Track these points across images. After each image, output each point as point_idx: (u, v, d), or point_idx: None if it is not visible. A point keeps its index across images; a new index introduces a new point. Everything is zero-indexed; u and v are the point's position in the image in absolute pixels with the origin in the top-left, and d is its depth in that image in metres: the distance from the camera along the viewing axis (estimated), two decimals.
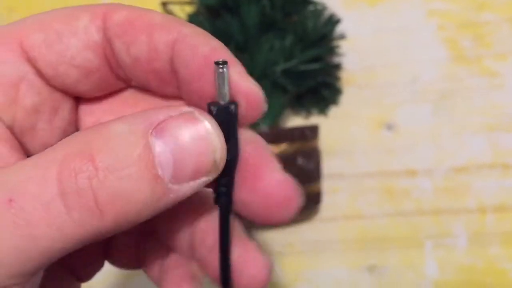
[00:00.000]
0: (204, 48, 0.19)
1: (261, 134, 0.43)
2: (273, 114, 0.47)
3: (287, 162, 0.44)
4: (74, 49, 0.18)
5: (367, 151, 0.53)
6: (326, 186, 0.51)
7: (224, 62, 0.18)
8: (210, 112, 0.18)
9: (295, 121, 0.53)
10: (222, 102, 0.18)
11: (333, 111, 0.53)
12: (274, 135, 0.44)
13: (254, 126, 0.48)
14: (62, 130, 0.18)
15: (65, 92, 0.18)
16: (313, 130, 0.47)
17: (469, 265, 0.50)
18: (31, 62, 0.17)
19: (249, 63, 0.46)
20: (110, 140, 0.15)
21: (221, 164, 0.17)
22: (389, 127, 0.53)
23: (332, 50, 0.46)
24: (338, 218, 0.52)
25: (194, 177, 0.16)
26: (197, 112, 0.17)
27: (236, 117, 0.19)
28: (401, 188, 0.52)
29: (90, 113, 0.19)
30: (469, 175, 0.52)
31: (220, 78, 0.18)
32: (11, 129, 0.17)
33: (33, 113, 0.17)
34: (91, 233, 0.15)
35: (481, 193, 0.51)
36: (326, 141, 0.50)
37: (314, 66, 0.45)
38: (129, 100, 0.20)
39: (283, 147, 0.44)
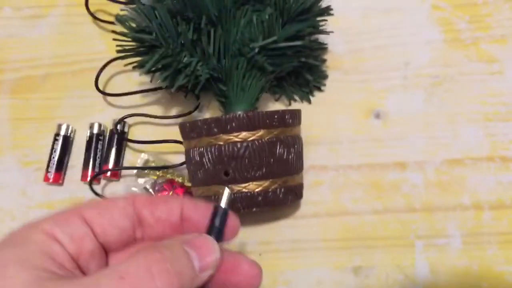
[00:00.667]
0: (202, 207, 0.31)
1: (237, 118, 0.39)
2: (250, 98, 0.42)
3: (264, 152, 0.39)
4: (116, 216, 0.29)
5: (353, 142, 0.48)
6: (308, 179, 0.46)
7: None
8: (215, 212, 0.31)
9: (274, 108, 0.48)
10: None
11: (317, 97, 0.49)
12: (250, 120, 0.39)
13: (229, 109, 0.43)
14: (98, 267, 0.29)
15: (104, 245, 0.29)
16: (295, 115, 0.42)
17: (463, 267, 0.46)
18: (89, 225, 0.28)
19: (224, 38, 0.40)
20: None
21: (219, 260, 0.29)
22: (378, 115, 0.48)
23: (316, 26, 0.41)
24: (320, 214, 0.47)
25: (209, 268, 0.28)
26: (206, 235, 0.30)
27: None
28: (390, 182, 0.47)
29: (115, 259, 0.30)
30: (464, 168, 0.47)
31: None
32: (76, 261, 0.27)
33: (88, 255, 0.28)
34: None
35: (477, 188, 0.47)
36: (308, 130, 0.45)
37: (296, 43, 0.39)
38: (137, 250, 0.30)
39: (259, 133, 0.39)
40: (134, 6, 0.40)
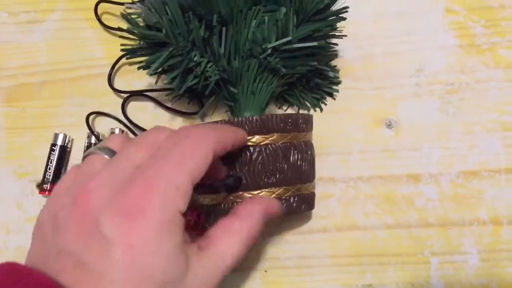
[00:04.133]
0: None
1: (249, 121, 0.36)
2: (260, 102, 0.39)
3: (278, 157, 0.37)
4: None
5: (363, 152, 0.46)
6: (316, 191, 0.44)
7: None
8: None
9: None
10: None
11: (326, 105, 0.46)
12: (263, 123, 0.36)
13: (237, 114, 0.41)
14: None
15: None
16: (308, 120, 0.39)
17: (481, 286, 0.43)
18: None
19: (235, 39, 0.38)
20: None
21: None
22: (389, 124, 0.46)
23: (333, 25, 0.38)
24: (329, 229, 0.45)
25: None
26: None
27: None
28: (403, 195, 0.45)
29: None
30: (481, 181, 0.45)
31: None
32: None
33: None
34: None
35: (495, 202, 0.44)
36: (316, 139, 0.43)
37: (311, 44, 0.37)
38: None
39: (273, 137, 0.36)
40: (142, 2, 0.38)
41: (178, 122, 0.47)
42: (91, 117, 0.47)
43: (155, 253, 0.26)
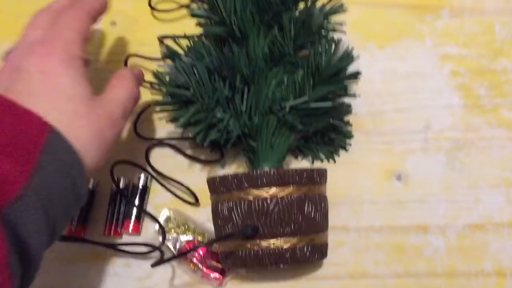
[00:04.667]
0: None
1: (267, 174, 0.39)
2: (278, 155, 0.42)
3: (293, 208, 0.39)
4: None
5: (374, 203, 0.48)
6: (329, 239, 0.46)
7: None
8: None
9: (299, 165, 0.49)
10: None
11: (338, 157, 0.49)
12: (280, 176, 0.39)
13: (256, 165, 0.43)
14: None
15: None
16: (322, 174, 0.42)
17: None
18: None
19: (256, 97, 0.42)
20: None
21: None
22: (399, 177, 0.49)
23: (346, 88, 0.42)
24: (341, 276, 0.47)
25: None
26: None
27: None
28: (412, 245, 0.47)
29: None
30: (486, 234, 0.47)
31: None
32: None
33: None
34: None
35: (499, 255, 0.46)
36: (329, 190, 0.45)
37: (326, 104, 0.40)
38: None
39: (289, 190, 0.39)
40: (173, 63, 0.42)
41: (198, 167, 0.49)
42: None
43: (62, 75, 0.36)
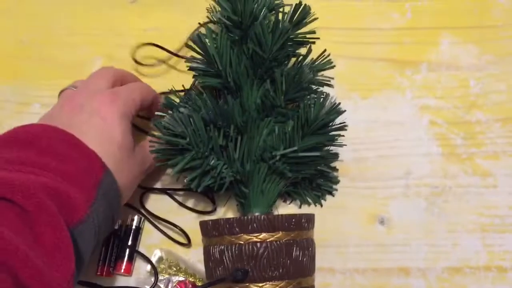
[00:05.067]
0: None
1: (258, 219, 0.41)
2: (268, 201, 0.45)
3: (282, 253, 0.41)
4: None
5: (359, 246, 0.50)
6: (316, 281, 0.48)
7: None
8: None
9: (287, 209, 0.51)
10: None
11: (326, 201, 0.52)
12: (270, 222, 0.41)
13: (247, 210, 0.46)
14: None
15: None
16: (310, 220, 0.44)
17: None
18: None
19: (248, 145, 0.44)
20: None
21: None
22: (382, 221, 0.51)
23: (333, 140, 0.45)
24: None
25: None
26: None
27: None
28: (394, 287, 0.49)
29: None
30: (463, 277, 0.49)
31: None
32: None
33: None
34: None
35: None
36: (317, 233, 0.48)
37: (314, 154, 0.43)
38: None
39: (278, 235, 0.41)
40: (170, 113, 0.44)
41: (192, 216, 0.51)
42: None
43: (117, 126, 0.42)
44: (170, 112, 0.46)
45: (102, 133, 0.41)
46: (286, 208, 0.51)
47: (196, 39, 0.45)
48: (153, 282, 0.48)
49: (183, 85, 0.49)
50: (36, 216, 0.32)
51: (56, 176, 0.36)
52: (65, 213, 0.34)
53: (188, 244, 0.50)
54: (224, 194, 0.50)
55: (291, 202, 0.51)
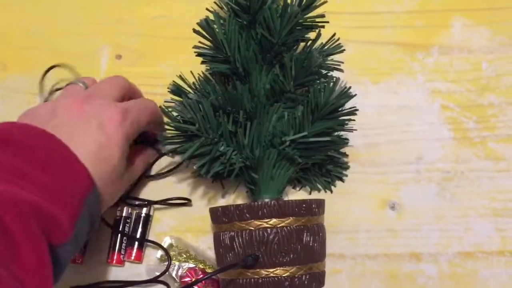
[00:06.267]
0: None
1: (268, 205, 0.41)
2: (278, 186, 0.44)
3: (292, 238, 0.41)
4: None
5: (369, 231, 0.50)
6: (326, 267, 0.48)
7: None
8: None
9: (297, 195, 0.51)
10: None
11: (335, 187, 0.51)
12: (280, 208, 0.41)
13: (257, 196, 0.45)
14: None
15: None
16: (320, 205, 0.44)
17: None
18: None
19: (257, 131, 0.44)
20: None
21: None
22: (393, 206, 0.51)
23: (343, 125, 0.44)
24: None
25: None
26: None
27: None
28: (406, 273, 0.49)
29: None
30: (476, 262, 0.49)
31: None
32: None
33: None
34: None
35: (489, 282, 0.48)
36: (326, 219, 0.47)
37: (324, 139, 0.43)
38: None
39: (288, 221, 0.41)
40: (180, 99, 0.44)
41: (199, 196, 0.51)
42: None
43: (118, 148, 0.41)
44: (178, 98, 0.46)
45: (102, 150, 0.40)
46: (296, 195, 0.51)
47: (204, 24, 0.44)
48: (164, 269, 0.48)
49: (191, 71, 0.49)
50: (20, 239, 0.32)
51: (45, 193, 0.35)
52: (49, 233, 0.34)
53: (189, 202, 0.51)
54: (234, 180, 0.50)
55: (300, 188, 0.51)
